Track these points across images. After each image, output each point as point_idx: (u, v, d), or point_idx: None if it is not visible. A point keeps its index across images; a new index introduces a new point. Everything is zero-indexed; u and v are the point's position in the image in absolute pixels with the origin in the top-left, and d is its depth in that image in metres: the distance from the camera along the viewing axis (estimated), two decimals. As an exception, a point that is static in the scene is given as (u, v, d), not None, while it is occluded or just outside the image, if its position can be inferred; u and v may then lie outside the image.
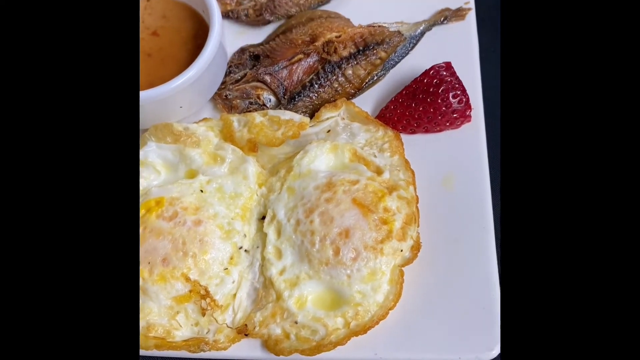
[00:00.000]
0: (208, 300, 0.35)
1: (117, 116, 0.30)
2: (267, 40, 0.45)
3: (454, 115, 0.39)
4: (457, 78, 0.40)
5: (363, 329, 0.34)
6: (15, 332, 0.28)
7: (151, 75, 0.42)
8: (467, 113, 0.40)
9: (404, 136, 0.40)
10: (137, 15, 0.33)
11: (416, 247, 0.36)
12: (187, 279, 0.35)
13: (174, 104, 0.40)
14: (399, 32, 0.43)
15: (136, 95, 0.31)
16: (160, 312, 0.35)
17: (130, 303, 0.27)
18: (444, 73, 0.40)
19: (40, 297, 0.28)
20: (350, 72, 0.42)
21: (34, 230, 0.28)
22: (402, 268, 0.35)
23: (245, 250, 0.37)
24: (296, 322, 0.34)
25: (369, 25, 0.44)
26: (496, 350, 0.33)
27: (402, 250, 0.35)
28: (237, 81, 0.43)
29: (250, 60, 0.44)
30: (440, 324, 0.34)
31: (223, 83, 0.43)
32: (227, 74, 0.44)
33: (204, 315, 0.35)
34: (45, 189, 0.29)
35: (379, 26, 0.44)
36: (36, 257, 0.28)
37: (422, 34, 0.44)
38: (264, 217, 0.38)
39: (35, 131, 0.29)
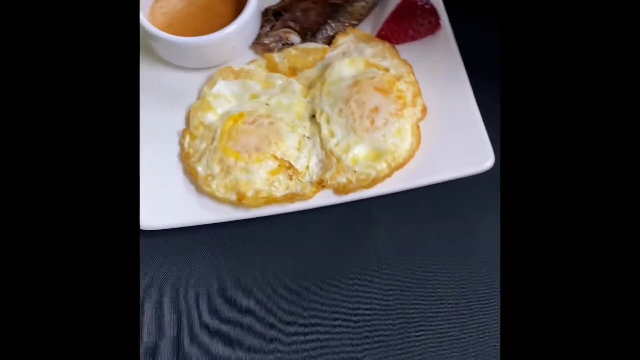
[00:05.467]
0: (292, 170, 0.50)
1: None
2: (282, 0, 0.61)
3: (431, 24, 0.56)
4: (428, 0, 0.56)
5: (400, 165, 0.50)
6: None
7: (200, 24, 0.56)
8: (438, 22, 0.56)
9: (397, 46, 0.57)
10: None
11: (423, 110, 0.52)
12: (275, 158, 0.50)
13: (229, 44, 0.55)
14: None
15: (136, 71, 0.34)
16: (262, 182, 0.50)
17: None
18: (418, -2, 0.56)
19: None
20: (350, 8, 0.58)
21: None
22: (418, 124, 0.51)
23: (308, 137, 0.52)
24: (355, 172, 0.50)
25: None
26: (490, 162, 0.49)
27: (415, 113, 0.52)
28: (269, 31, 0.59)
29: (273, 16, 0.59)
30: (447, 154, 0.50)
31: (258, 35, 0.59)
32: (260, 28, 0.59)
33: (291, 179, 0.50)
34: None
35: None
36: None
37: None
38: (313, 116, 0.53)
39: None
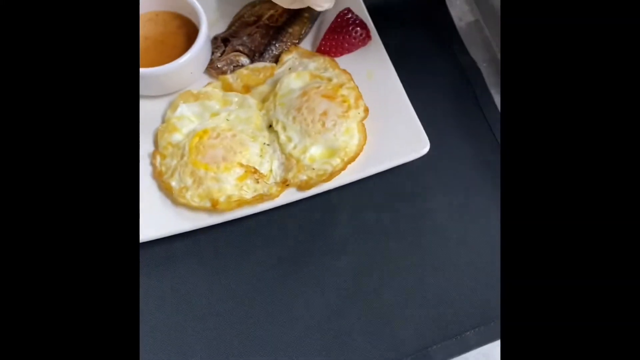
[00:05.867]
0: (257, 174, 0.56)
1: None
2: (229, 28, 0.67)
3: (362, 37, 0.64)
4: (356, 15, 0.65)
5: (352, 159, 0.57)
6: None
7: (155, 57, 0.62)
8: (369, 34, 0.65)
9: (336, 58, 0.64)
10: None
11: (365, 110, 0.60)
12: (241, 165, 0.56)
13: (186, 71, 0.61)
14: (312, 0, 0.67)
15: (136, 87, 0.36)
16: (232, 188, 0.56)
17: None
18: (349, 15, 0.65)
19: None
20: (291, 29, 0.65)
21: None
22: (362, 122, 0.59)
23: (267, 144, 0.59)
24: (314, 169, 0.57)
25: (292, 1, 0.67)
26: (426, 148, 0.57)
27: (359, 113, 0.59)
28: (220, 56, 0.65)
29: (222, 42, 0.66)
30: (390, 145, 0.58)
31: (211, 61, 0.65)
32: (212, 54, 0.65)
33: (257, 182, 0.56)
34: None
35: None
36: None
37: (326, -2, 0.68)
38: (270, 125, 0.60)
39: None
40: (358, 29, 0.64)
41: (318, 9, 0.56)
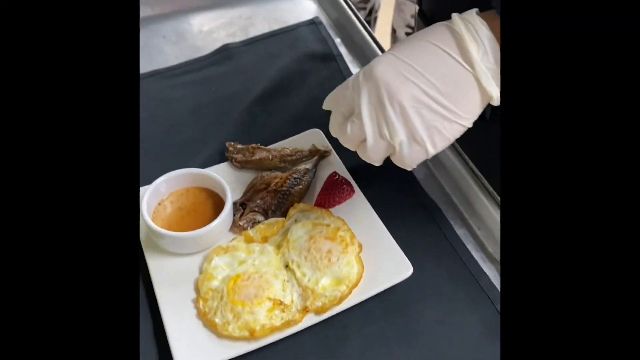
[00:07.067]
0: (282, 305, 0.71)
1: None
2: (244, 195, 0.86)
3: (348, 192, 0.84)
4: (342, 176, 0.85)
5: (355, 285, 0.73)
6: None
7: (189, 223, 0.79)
8: (353, 189, 0.85)
9: (330, 209, 0.83)
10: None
11: (359, 246, 0.77)
12: (270, 299, 0.71)
13: (216, 232, 0.78)
14: (306, 169, 0.88)
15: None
16: (264, 318, 0.69)
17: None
18: (336, 177, 0.85)
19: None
20: (293, 191, 0.85)
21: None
22: (359, 255, 0.76)
23: (287, 281, 0.74)
24: (326, 296, 0.72)
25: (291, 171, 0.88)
26: (410, 271, 0.74)
27: (355, 249, 0.76)
28: (240, 217, 0.83)
29: (241, 206, 0.84)
30: (382, 272, 0.74)
31: (233, 221, 0.83)
32: (233, 216, 0.83)
33: (283, 312, 0.70)
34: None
35: (296, 170, 0.88)
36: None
37: (315, 166, 0.89)
38: (287, 265, 0.76)
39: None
40: (344, 186, 0.84)
41: (409, 169, 0.66)
